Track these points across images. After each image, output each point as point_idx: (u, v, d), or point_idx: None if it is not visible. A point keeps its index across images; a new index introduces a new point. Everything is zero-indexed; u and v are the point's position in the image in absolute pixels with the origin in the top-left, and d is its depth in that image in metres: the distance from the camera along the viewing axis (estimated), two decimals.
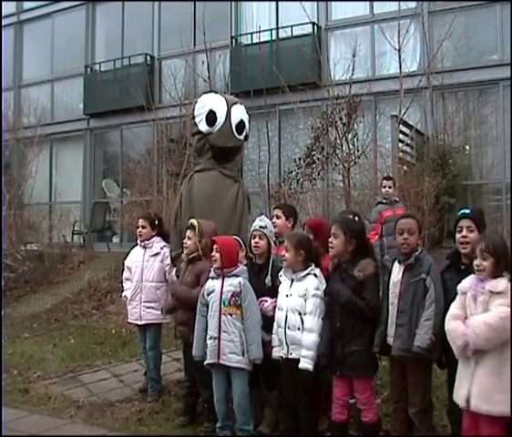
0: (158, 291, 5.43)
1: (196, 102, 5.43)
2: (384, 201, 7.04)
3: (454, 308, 3.37)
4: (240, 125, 5.25)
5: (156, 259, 5.46)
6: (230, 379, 4.24)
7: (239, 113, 5.28)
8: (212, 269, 4.32)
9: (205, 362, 4.23)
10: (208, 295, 4.28)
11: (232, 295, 4.17)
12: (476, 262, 3.27)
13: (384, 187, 7.10)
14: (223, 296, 4.18)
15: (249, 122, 5.42)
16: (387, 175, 8.05)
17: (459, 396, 3.29)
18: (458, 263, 3.72)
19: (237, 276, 4.22)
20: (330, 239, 3.97)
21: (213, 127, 5.15)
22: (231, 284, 4.20)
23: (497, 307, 3.15)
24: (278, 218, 4.77)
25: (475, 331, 3.16)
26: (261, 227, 4.46)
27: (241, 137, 5.30)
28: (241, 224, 5.07)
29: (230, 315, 4.16)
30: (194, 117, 5.30)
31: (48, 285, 11.08)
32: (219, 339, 4.16)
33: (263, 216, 4.71)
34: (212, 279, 4.31)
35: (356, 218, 4.09)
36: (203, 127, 5.19)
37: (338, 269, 3.97)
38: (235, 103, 5.36)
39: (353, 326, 3.84)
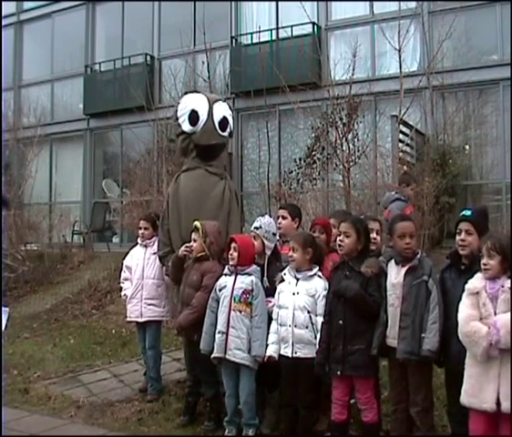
0: (159, 289, 5.47)
1: (178, 103, 5.48)
2: (403, 198, 6.91)
3: (468, 309, 3.28)
4: (224, 121, 5.28)
5: (157, 256, 5.46)
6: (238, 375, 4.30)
7: (221, 110, 5.32)
8: (227, 267, 4.38)
9: (212, 355, 4.28)
10: (219, 291, 4.35)
11: (243, 292, 4.23)
12: (482, 261, 3.26)
13: (412, 189, 6.95)
14: (234, 292, 4.25)
15: (232, 118, 5.45)
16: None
17: (485, 400, 3.18)
18: (459, 263, 3.72)
19: (249, 274, 4.28)
20: (340, 238, 3.96)
21: (196, 126, 5.21)
22: (243, 282, 4.26)
23: None
24: (284, 218, 4.76)
25: (506, 329, 3.09)
26: (255, 227, 4.48)
27: (225, 134, 5.33)
28: (231, 220, 5.08)
29: (240, 312, 4.22)
30: (177, 118, 5.34)
31: (48, 285, 11.09)
32: (227, 334, 4.21)
33: (266, 215, 4.71)
34: (225, 275, 4.38)
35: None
36: (186, 126, 5.25)
37: (342, 267, 3.97)
38: (217, 100, 5.41)
39: (356, 324, 3.85)
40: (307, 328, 4.00)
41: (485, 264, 3.26)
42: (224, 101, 5.56)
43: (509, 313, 3.15)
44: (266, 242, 4.44)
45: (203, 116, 5.20)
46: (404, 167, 9.67)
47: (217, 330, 4.28)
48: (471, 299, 3.29)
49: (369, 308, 3.84)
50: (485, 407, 3.18)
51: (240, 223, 5.27)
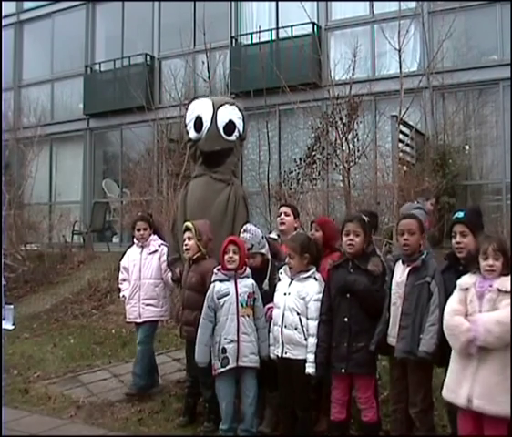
0: (156, 288, 5.45)
1: (187, 110, 5.40)
2: (425, 210, 6.98)
3: (454, 303, 3.33)
4: (229, 125, 5.11)
5: (154, 256, 5.49)
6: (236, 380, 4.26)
7: (226, 114, 5.14)
8: (219, 271, 4.27)
9: (226, 368, 4.15)
10: (219, 298, 4.21)
11: (248, 296, 4.18)
12: (489, 263, 3.24)
13: (432, 204, 7.33)
14: (240, 298, 4.17)
15: (243, 120, 5.24)
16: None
17: (460, 395, 3.24)
18: (456, 264, 3.72)
19: (248, 277, 4.24)
20: (350, 237, 3.94)
21: (201, 132, 5.11)
22: (246, 285, 4.21)
23: (508, 306, 3.11)
24: (287, 215, 4.77)
25: (486, 328, 3.11)
26: (248, 249, 4.31)
27: (232, 138, 5.14)
28: (235, 226, 4.92)
29: (248, 316, 4.18)
30: (186, 126, 5.28)
31: (48, 285, 11.09)
32: (238, 341, 4.14)
33: (245, 232, 4.43)
34: (222, 281, 4.25)
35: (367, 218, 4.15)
36: (192, 134, 5.19)
37: (345, 265, 3.96)
38: (223, 104, 5.22)
39: (361, 321, 3.85)
40: (296, 329, 3.96)
41: (491, 265, 3.24)
42: (232, 104, 5.35)
43: (493, 313, 3.17)
44: (264, 251, 4.40)
45: (207, 122, 5.08)
46: (404, 167, 9.69)
47: (225, 341, 4.15)
48: (460, 294, 3.32)
49: (376, 303, 3.85)
50: (458, 402, 3.25)
51: None
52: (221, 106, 5.17)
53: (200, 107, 5.22)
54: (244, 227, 4.49)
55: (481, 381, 3.16)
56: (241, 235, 4.41)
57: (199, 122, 5.13)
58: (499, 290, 3.18)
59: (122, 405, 5.21)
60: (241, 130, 5.22)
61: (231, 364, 4.15)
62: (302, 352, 3.97)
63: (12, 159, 14.67)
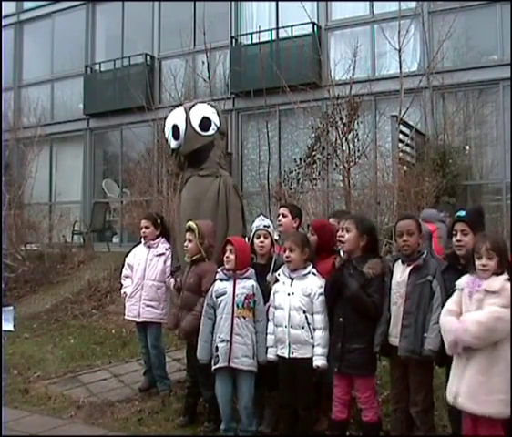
0: (158, 291, 5.47)
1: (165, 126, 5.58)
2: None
3: (450, 303, 3.40)
4: (204, 121, 5.24)
5: (160, 259, 5.50)
6: (233, 381, 4.24)
7: (199, 112, 5.28)
8: (221, 271, 4.30)
9: (216, 366, 4.18)
10: (217, 297, 4.24)
11: (246, 297, 4.17)
12: (482, 262, 3.26)
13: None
14: (236, 298, 4.17)
15: (218, 114, 5.36)
16: None
17: (449, 392, 3.32)
18: (456, 264, 3.74)
19: (249, 278, 4.23)
20: (341, 234, 3.97)
21: (180, 139, 5.26)
22: (245, 286, 4.20)
23: (490, 306, 3.16)
24: (284, 216, 4.79)
25: (466, 328, 3.17)
26: (265, 226, 4.50)
27: (210, 133, 5.26)
28: (230, 216, 5.02)
29: (244, 318, 4.16)
30: (167, 140, 5.45)
31: (48, 285, 11.08)
32: (230, 342, 4.14)
33: (262, 215, 4.73)
34: (222, 280, 4.27)
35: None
36: (173, 143, 5.36)
37: (347, 265, 3.96)
38: (194, 105, 5.39)
39: (356, 323, 3.85)
40: (303, 328, 3.97)
41: (484, 265, 3.26)
42: (203, 102, 5.54)
43: (474, 313, 3.21)
44: (274, 240, 4.53)
45: (182, 127, 5.24)
46: (404, 167, 9.69)
47: (218, 339, 4.17)
48: (456, 295, 3.39)
49: (366, 308, 3.84)
50: (448, 400, 3.33)
51: (239, 216, 5.17)
52: (192, 107, 5.35)
53: (174, 116, 5.40)
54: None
55: (466, 380, 3.21)
56: (260, 216, 4.64)
57: (176, 130, 5.29)
58: (486, 291, 3.21)
59: (122, 405, 5.21)
60: (218, 123, 5.33)
61: (221, 363, 4.15)
62: (308, 351, 3.97)
63: (12, 159, 14.65)
